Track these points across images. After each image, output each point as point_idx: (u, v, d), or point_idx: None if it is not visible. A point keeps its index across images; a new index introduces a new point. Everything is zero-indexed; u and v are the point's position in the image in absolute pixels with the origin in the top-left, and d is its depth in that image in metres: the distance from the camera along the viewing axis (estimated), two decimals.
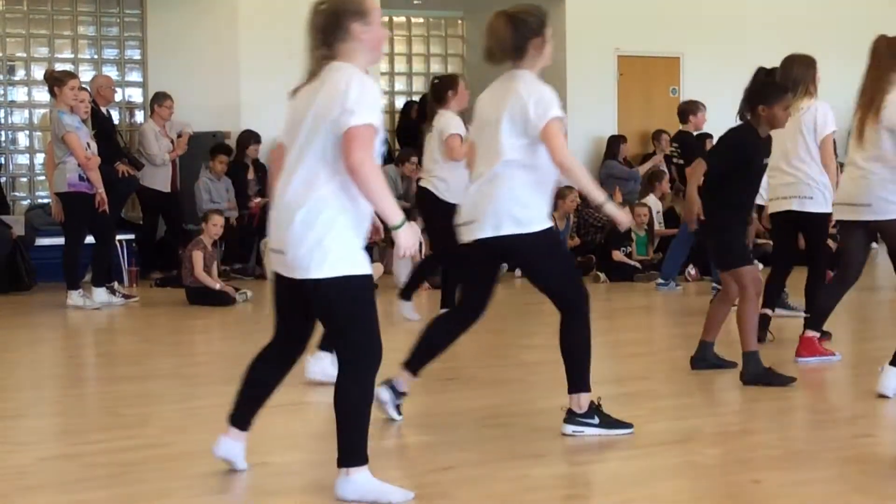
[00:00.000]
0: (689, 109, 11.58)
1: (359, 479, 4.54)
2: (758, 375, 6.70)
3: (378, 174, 4.41)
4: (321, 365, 6.81)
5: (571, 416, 5.61)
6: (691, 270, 12.29)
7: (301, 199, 4.47)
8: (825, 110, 7.86)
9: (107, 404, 6.70)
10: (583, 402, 5.59)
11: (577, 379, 5.59)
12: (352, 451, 4.55)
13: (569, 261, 5.70)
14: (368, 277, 4.55)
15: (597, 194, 5.54)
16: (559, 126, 5.42)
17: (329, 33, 4.55)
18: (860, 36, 17.89)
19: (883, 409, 6.23)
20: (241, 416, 4.97)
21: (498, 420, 5.96)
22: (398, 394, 5.89)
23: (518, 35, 5.53)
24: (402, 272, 11.74)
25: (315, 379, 6.78)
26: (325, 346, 6.80)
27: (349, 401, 4.52)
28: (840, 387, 6.96)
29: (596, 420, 5.61)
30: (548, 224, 5.53)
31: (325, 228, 4.44)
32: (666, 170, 14.70)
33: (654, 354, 8.24)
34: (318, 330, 4.89)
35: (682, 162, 10.79)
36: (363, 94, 4.41)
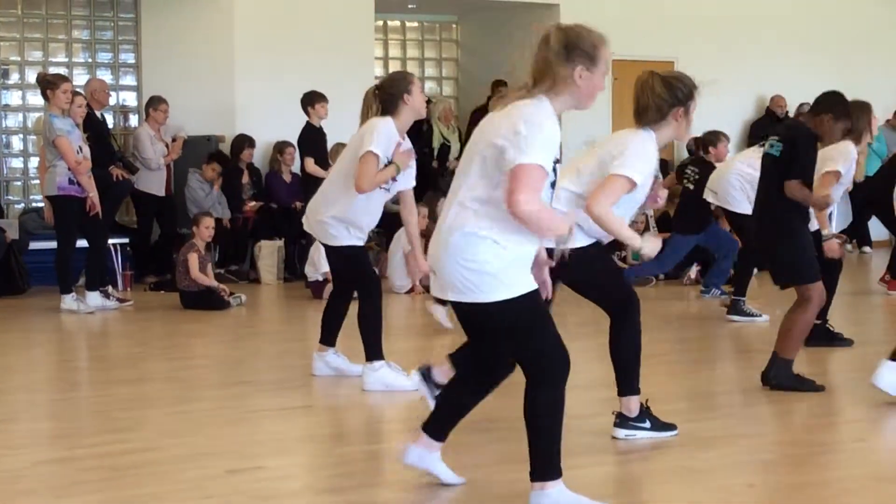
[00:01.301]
0: (709, 140, 11.52)
1: (554, 493, 4.43)
2: (785, 379, 6.69)
3: (541, 212, 4.21)
4: (376, 376, 6.84)
5: (623, 420, 5.65)
6: (692, 273, 12.26)
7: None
8: (841, 149, 7.44)
9: (100, 408, 6.69)
10: (633, 405, 5.64)
11: (628, 382, 5.64)
12: (546, 464, 4.43)
13: (614, 268, 5.75)
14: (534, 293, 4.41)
15: None
16: (621, 184, 5.26)
17: (550, 64, 4.33)
18: (856, 40, 17.97)
19: (878, 413, 6.23)
20: (436, 428, 4.81)
21: (494, 424, 5.95)
22: (437, 385, 5.76)
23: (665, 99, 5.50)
24: (398, 276, 11.75)
25: (374, 390, 6.80)
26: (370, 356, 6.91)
27: (539, 414, 4.40)
28: (835, 391, 6.96)
29: (648, 424, 5.66)
30: (589, 239, 5.51)
31: (481, 256, 4.30)
32: (660, 174, 14.68)
33: (648, 358, 8.19)
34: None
35: (691, 188, 10.84)
36: (537, 133, 4.20)
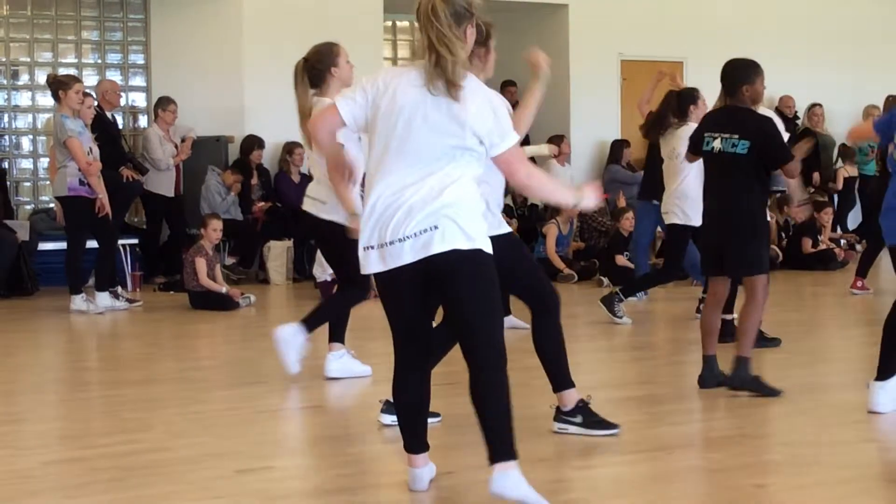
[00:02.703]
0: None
1: (517, 474, 4.42)
2: (745, 381, 6.68)
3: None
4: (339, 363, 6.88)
5: (558, 413, 5.70)
6: None
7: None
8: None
9: (110, 408, 6.70)
10: (566, 399, 5.65)
11: (559, 377, 5.66)
12: (505, 444, 4.46)
13: (532, 261, 5.82)
14: None
15: None
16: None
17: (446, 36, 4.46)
18: (861, 39, 17.87)
19: (887, 413, 6.21)
20: (416, 442, 4.81)
21: None
22: None
23: None
24: None
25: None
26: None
27: (492, 396, 4.50)
28: (842, 391, 6.95)
29: (579, 419, 5.65)
30: (505, 228, 5.60)
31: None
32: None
33: (655, 359, 8.22)
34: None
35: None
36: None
